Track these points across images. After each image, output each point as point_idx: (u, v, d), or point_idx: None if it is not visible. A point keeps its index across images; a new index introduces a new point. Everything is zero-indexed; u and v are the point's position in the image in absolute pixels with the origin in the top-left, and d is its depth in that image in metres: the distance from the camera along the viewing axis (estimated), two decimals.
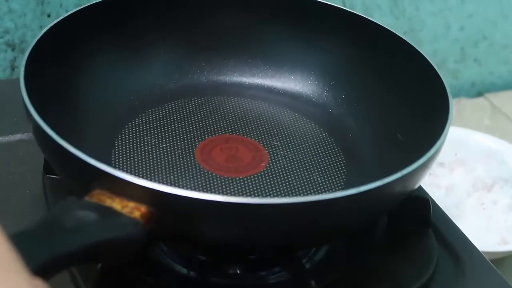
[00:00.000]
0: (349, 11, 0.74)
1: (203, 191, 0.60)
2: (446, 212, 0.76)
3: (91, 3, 0.70)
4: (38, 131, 0.52)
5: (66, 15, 0.66)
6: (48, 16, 0.87)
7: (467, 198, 0.90)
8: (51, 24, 0.64)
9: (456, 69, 1.21)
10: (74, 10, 0.68)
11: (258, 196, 0.61)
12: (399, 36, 0.70)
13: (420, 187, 0.66)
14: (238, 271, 0.59)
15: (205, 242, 0.51)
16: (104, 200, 0.48)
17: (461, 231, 0.67)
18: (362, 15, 0.73)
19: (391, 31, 0.71)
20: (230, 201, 0.47)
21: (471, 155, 0.94)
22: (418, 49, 0.68)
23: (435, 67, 0.64)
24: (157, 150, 0.65)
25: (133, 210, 0.47)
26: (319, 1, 0.75)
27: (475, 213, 0.88)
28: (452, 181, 0.91)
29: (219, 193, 0.60)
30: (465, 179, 0.92)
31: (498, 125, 1.15)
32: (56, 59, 0.65)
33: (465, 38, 1.19)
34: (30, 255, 0.38)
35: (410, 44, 0.69)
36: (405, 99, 0.69)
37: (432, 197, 0.71)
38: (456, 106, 1.17)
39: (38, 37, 0.62)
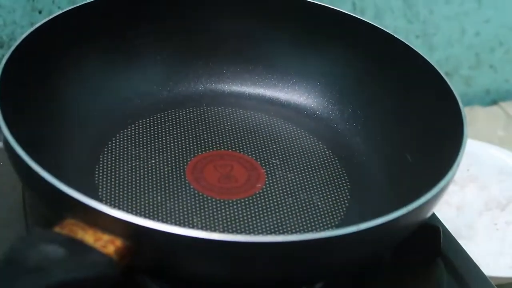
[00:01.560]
0: (359, 18, 0.69)
1: (191, 215, 0.56)
2: (457, 233, 0.72)
3: (85, 2, 0.65)
4: (7, 147, 0.48)
5: (57, 14, 0.62)
6: (40, 12, 0.83)
7: (479, 217, 0.85)
8: (41, 23, 0.60)
9: (470, 76, 1.17)
10: (66, 9, 0.63)
11: (249, 223, 0.56)
12: (410, 46, 0.65)
13: None
14: None
15: (188, 279, 0.46)
16: (76, 232, 0.43)
17: (472, 260, 0.62)
18: (372, 23, 0.69)
19: (402, 41, 0.66)
20: (214, 238, 0.42)
21: (484, 171, 0.89)
22: (429, 57, 0.63)
23: (451, 86, 0.59)
24: (145, 166, 0.60)
25: (107, 244, 0.43)
26: (327, 7, 0.70)
27: (488, 234, 0.83)
28: (463, 199, 0.86)
29: (208, 218, 0.56)
30: (477, 197, 0.87)
31: None
32: (42, 61, 0.60)
33: (481, 43, 1.14)
34: None
35: (424, 57, 0.64)
36: (416, 116, 0.64)
37: (442, 216, 0.67)
38: (469, 114, 1.11)
39: (24, 36, 0.58)
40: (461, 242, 0.64)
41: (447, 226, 0.65)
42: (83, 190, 0.44)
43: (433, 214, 0.65)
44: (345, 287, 0.57)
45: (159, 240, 0.42)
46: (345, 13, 0.69)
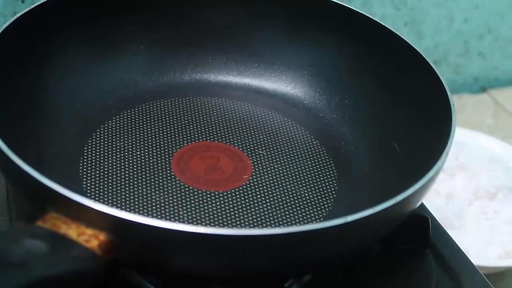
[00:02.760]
0: (346, 6, 0.68)
1: (177, 208, 0.55)
2: (447, 222, 0.71)
3: None
4: None
5: (39, 3, 0.61)
6: (22, 2, 0.82)
7: (469, 206, 0.84)
8: (22, 12, 0.59)
9: (459, 63, 1.16)
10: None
11: (236, 215, 0.55)
12: (397, 34, 0.64)
13: None
14: None
15: (174, 273, 0.46)
16: (59, 226, 0.42)
17: (461, 250, 0.62)
18: (359, 11, 0.67)
19: (389, 29, 0.65)
20: (199, 231, 0.41)
21: (473, 160, 0.89)
22: (417, 45, 0.62)
23: (439, 75, 0.58)
24: (130, 158, 0.59)
25: (91, 238, 0.42)
26: None
27: (477, 223, 0.83)
28: (452, 187, 0.86)
29: (195, 210, 0.55)
30: (466, 186, 0.86)
31: (501, 124, 1.10)
32: (23, 52, 0.59)
33: (469, 30, 1.13)
34: None
35: (411, 45, 0.63)
36: (404, 105, 0.64)
37: (431, 205, 0.67)
38: (457, 102, 1.11)
39: (6, 25, 0.57)
40: (451, 231, 0.64)
41: (436, 215, 0.64)
42: (67, 183, 0.43)
43: (422, 204, 0.65)
44: (334, 279, 0.56)
45: (144, 234, 0.42)
46: (332, 1, 0.69)
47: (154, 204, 0.55)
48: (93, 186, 0.56)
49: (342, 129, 0.66)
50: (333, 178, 0.61)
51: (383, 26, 0.65)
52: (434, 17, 1.10)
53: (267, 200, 0.57)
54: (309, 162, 0.62)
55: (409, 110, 0.63)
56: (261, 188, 0.58)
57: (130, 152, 0.60)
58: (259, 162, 0.61)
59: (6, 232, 0.41)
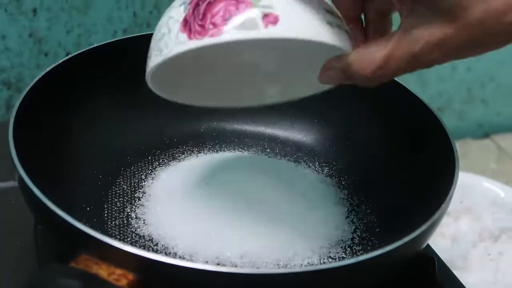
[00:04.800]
0: None
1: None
2: (452, 263, 0.73)
3: (91, 47, 0.68)
4: (22, 186, 0.50)
5: (65, 58, 0.65)
6: (46, 55, 0.86)
7: (473, 248, 0.87)
8: (50, 68, 0.63)
9: (463, 110, 1.19)
10: (74, 54, 0.67)
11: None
12: (402, 84, 0.68)
13: None
14: None
15: None
16: (91, 266, 0.46)
17: None
18: None
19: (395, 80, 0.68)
20: (221, 270, 0.45)
21: (477, 203, 0.91)
22: (421, 93, 0.66)
23: (445, 127, 0.61)
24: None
25: (120, 277, 0.45)
26: None
27: (481, 265, 0.85)
28: (457, 230, 0.89)
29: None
30: (471, 229, 0.89)
31: (505, 168, 1.13)
32: (52, 103, 0.63)
33: (472, 78, 1.17)
34: None
35: (416, 95, 0.66)
36: (410, 152, 0.66)
37: (437, 247, 0.69)
38: (461, 148, 1.15)
39: (35, 80, 0.61)
40: (456, 272, 0.66)
41: (442, 257, 0.66)
42: (94, 226, 0.46)
43: (428, 246, 0.67)
44: None
45: (168, 273, 0.45)
46: None
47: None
48: (116, 228, 0.60)
49: (351, 174, 0.69)
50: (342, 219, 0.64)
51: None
52: (438, 67, 1.12)
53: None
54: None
55: (414, 157, 0.65)
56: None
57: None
58: None
59: (43, 271, 0.44)
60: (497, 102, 1.21)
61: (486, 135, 1.22)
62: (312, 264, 0.58)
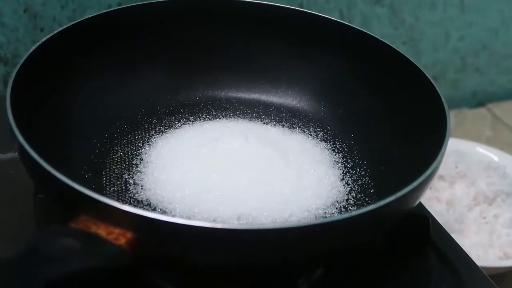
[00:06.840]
0: (346, 24, 0.72)
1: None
2: (447, 227, 0.75)
3: (85, 18, 0.68)
4: (22, 153, 0.51)
5: (59, 29, 0.65)
6: (41, 30, 0.86)
7: (468, 212, 0.88)
8: (43, 39, 0.63)
9: (457, 79, 1.20)
10: (67, 25, 0.67)
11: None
12: (396, 49, 0.68)
13: (420, 203, 0.65)
14: None
15: (196, 269, 0.50)
16: (90, 226, 0.47)
17: (461, 248, 0.65)
18: (358, 28, 0.72)
19: (388, 44, 0.69)
20: (217, 227, 0.45)
21: (472, 168, 0.92)
22: (415, 63, 0.66)
23: (433, 82, 0.62)
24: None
25: (119, 236, 0.46)
26: (315, 14, 0.73)
27: (477, 228, 0.86)
28: (452, 194, 0.90)
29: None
30: (466, 193, 0.90)
31: (499, 136, 1.14)
32: (47, 74, 0.63)
33: (466, 47, 1.17)
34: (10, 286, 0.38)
35: (407, 58, 0.67)
36: (404, 115, 0.67)
37: (433, 211, 0.71)
38: (456, 116, 1.16)
39: (29, 52, 0.61)
40: (452, 235, 0.67)
41: (438, 221, 0.68)
42: (94, 189, 0.47)
43: (424, 208, 0.68)
44: (341, 276, 0.60)
45: (165, 231, 0.46)
46: (333, 20, 0.73)
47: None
48: (114, 193, 0.61)
49: (346, 136, 0.71)
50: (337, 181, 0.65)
51: (384, 42, 0.69)
52: (431, 36, 1.13)
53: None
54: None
55: (408, 119, 0.67)
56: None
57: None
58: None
59: (44, 231, 0.45)
60: (490, 70, 1.22)
61: (480, 103, 1.23)
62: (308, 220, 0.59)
